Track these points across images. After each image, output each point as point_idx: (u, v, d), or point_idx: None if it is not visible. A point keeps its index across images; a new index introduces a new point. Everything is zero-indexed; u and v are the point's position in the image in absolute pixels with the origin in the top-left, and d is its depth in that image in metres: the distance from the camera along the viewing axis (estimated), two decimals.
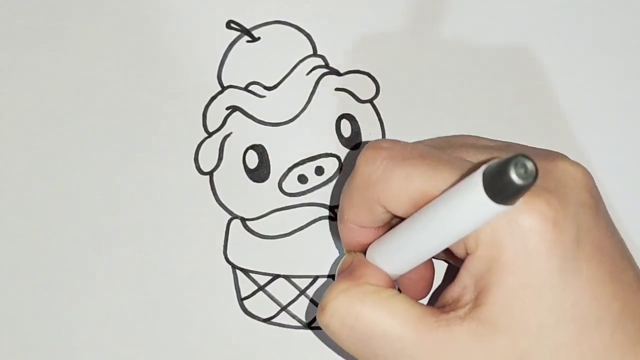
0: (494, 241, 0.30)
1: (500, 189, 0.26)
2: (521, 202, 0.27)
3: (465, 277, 0.31)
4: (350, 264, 0.34)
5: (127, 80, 0.41)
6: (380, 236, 0.34)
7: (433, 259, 0.36)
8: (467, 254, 0.31)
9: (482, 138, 0.37)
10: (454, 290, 0.32)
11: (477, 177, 0.27)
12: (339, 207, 0.35)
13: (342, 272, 0.34)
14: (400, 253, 0.33)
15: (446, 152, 0.33)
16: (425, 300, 0.38)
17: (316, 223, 0.40)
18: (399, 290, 0.34)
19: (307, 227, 0.40)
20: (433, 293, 0.38)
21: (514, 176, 0.25)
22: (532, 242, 0.29)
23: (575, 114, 0.41)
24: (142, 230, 0.40)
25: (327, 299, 0.32)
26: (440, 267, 0.39)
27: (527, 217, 0.29)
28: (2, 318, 0.40)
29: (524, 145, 0.36)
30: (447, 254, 0.34)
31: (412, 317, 0.31)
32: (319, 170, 0.40)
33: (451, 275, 0.38)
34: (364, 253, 0.35)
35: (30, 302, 0.40)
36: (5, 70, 0.41)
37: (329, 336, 0.33)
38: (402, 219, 0.33)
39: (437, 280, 0.39)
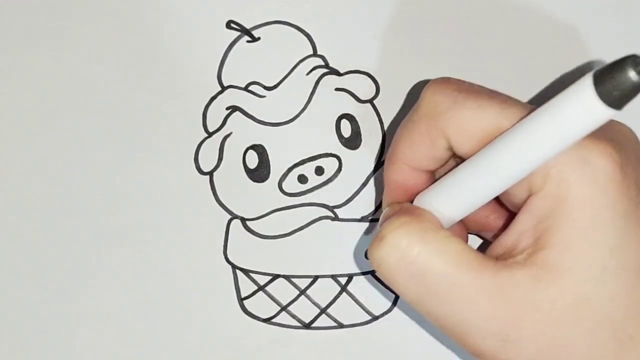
0: (563, 179, 0.29)
1: (613, 90, 0.26)
2: (591, 142, 0.27)
3: (524, 222, 0.30)
4: (400, 209, 0.33)
5: (127, 80, 0.41)
6: (432, 184, 0.33)
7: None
8: (530, 195, 0.30)
9: None
10: (507, 240, 0.31)
11: (587, 80, 0.26)
12: (391, 146, 0.34)
13: (389, 219, 0.32)
14: (466, 192, 0.31)
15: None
16: None
17: (316, 223, 0.40)
18: None
19: (307, 227, 0.40)
20: None
21: (632, 74, 0.25)
22: (602, 182, 0.29)
23: None
24: (142, 230, 0.40)
25: (388, 230, 0.31)
26: None
27: (597, 157, 0.29)
28: (2, 318, 0.40)
29: None
30: (493, 208, 0.33)
31: (472, 260, 0.30)
32: (319, 170, 0.40)
33: None
34: None
35: (30, 302, 0.40)
36: (5, 70, 0.41)
37: (380, 272, 0.31)
38: (455, 165, 0.32)
39: None
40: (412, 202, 0.34)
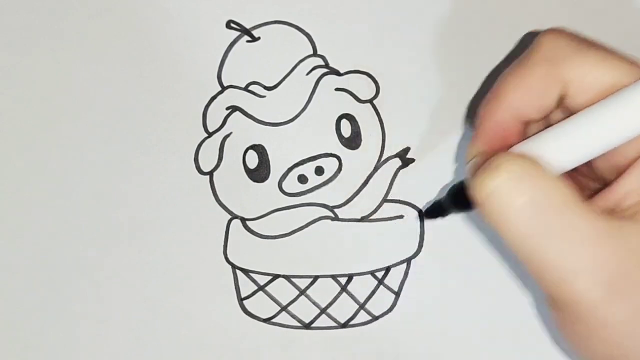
0: None
1: None
2: None
3: (632, 180, 0.30)
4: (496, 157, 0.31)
5: (127, 80, 0.41)
6: (534, 135, 0.32)
7: None
8: None
9: None
10: (612, 196, 0.30)
11: None
12: (494, 91, 0.32)
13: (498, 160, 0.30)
14: (579, 142, 0.30)
15: None
16: None
17: (316, 223, 0.40)
18: None
19: (307, 227, 0.40)
20: None
21: None
22: None
23: None
24: (142, 230, 0.40)
25: (504, 159, 0.29)
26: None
27: None
28: (2, 318, 0.40)
29: None
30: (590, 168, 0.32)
31: (586, 205, 0.29)
32: (319, 170, 0.40)
33: None
34: None
35: (31, 302, 0.40)
36: (5, 70, 0.41)
37: (488, 203, 0.29)
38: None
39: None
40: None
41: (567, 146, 0.31)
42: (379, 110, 0.41)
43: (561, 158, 0.31)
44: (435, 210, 0.37)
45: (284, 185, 0.40)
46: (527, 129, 0.34)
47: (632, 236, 0.29)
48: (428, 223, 0.40)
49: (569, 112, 0.31)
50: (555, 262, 0.29)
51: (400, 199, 0.40)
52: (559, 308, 0.30)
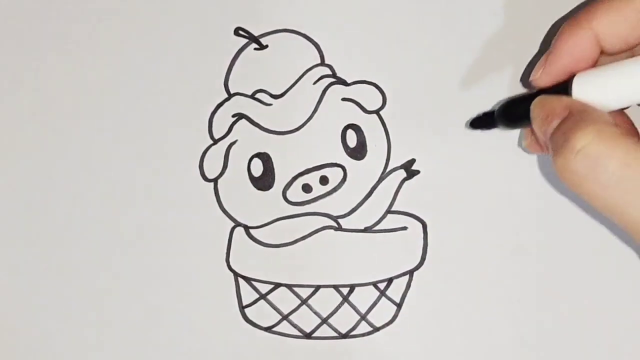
0: None
1: None
2: None
3: None
4: (567, 107, 0.32)
5: (134, 85, 0.41)
6: (602, 66, 0.33)
7: None
8: None
9: None
10: None
11: None
12: (584, 12, 0.33)
13: (557, 116, 0.32)
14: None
15: None
16: None
17: (319, 233, 0.40)
18: None
19: (310, 236, 0.40)
20: None
21: None
22: None
23: None
24: (145, 236, 0.40)
25: (583, 141, 0.30)
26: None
27: None
28: (5, 320, 0.40)
29: None
30: None
31: None
32: (324, 180, 0.40)
33: None
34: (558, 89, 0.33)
35: (33, 308, 0.40)
36: (11, 73, 0.41)
37: (579, 166, 0.30)
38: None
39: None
40: (571, 77, 0.33)
41: (626, 84, 0.31)
42: (385, 121, 0.41)
43: (618, 96, 0.31)
44: (483, 120, 0.38)
45: (288, 194, 0.40)
46: (599, 61, 0.34)
47: None
48: (431, 235, 0.40)
49: None
50: None
51: (404, 211, 0.40)
52: None
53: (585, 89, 0.32)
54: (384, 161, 0.41)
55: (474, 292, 0.40)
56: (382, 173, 0.40)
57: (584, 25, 0.32)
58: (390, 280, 0.40)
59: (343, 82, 0.41)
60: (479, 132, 0.40)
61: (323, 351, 0.40)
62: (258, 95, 0.41)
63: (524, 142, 0.38)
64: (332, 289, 0.40)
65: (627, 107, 0.33)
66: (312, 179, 0.40)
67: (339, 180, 0.40)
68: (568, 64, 0.33)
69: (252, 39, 0.41)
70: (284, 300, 0.40)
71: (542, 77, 0.34)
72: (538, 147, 0.37)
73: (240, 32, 0.41)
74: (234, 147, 0.41)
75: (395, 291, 0.40)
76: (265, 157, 0.41)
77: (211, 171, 0.41)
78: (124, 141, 0.41)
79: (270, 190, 0.40)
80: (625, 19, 0.31)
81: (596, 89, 0.32)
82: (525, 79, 0.41)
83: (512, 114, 0.36)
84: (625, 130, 0.33)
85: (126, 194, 0.40)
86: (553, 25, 0.40)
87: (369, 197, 0.40)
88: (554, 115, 0.32)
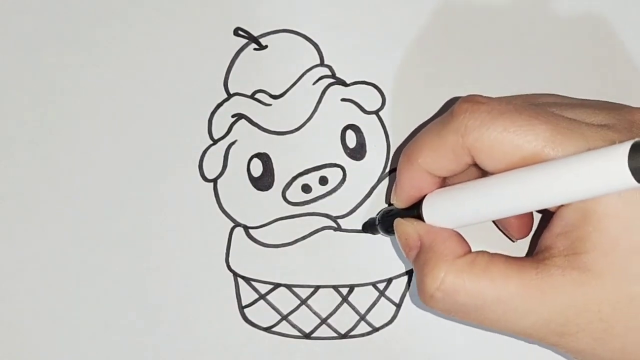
0: None
1: None
2: None
3: (558, 226, 0.32)
4: (419, 238, 0.35)
5: (133, 86, 0.41)
6: (445, 187, 0.35)
7: None
8: (560, 206, 0.32)
9: (560, 96, 0.38)
10: (545, 238, 0.33)
11: (624, 149, 0.27)
12: (411, 149, 0.35)
13: (412, 248, 0.35)
14: (485, 206, 0.33)
15: (538, 107, 0.34)
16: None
17: (319, 233, 0.40)
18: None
19: (309, 236, 0.40)
20: None
21: None
22: (628, 193, 0.30)
23: None
24: (144, 236, 0.40)
25: (432, 288, 0.33)
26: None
27: None
28: (4, 320, 0.40)
29: (597, 101, 0.36)
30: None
31: (512, 277, 0.32)
32: (323, 180, 0.40)
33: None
34: (414, 208, 0.35)
35: (33, 307, 0.40)
36: (11, 73, 0.41)
37: (446, 313, 0.34)
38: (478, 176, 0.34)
39: None
40: (421, 198, 0.35)
41: (466, 209, 0.33)
42: (385, 122, 0.41)
43: (461, 217, 0.34)
44: (372, 226, 0.39)
45: (288, 195, 0.40)
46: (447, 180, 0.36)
47: (565, 288, 0.31)
48: None
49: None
50: (508, 331, 0.33)
51: None
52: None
53: (432, 212, 0.35)
54: (384, 161, 0.41)
55: None
56: (382, 173, 0.41)
57: (413, 162, 0.35)
58: (389, 281, 0.40)
59: (342, 83, 0.41)
60: None
61: (322, 351, 0.40)
62: (258, 96, 0.41)
63: None
64: (331, 289, 0.40)
65: (476, 223, 0.34)
66: (312, 179, 0.40)
67: (338, 181, 0.41)
68: (413, 192, 0.35)
69: (252, 39, 0.41)
70: (284, 300, 0.40)
71: (397, 202, 0.36)
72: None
73: (240, 32, 0.41)
74: (233, 147, 0.41)
75: (394, 291, 0.40)
76: (264, 158, 0.41)
77: (211, 171, 0.41)
78: (124, 141, 0.41)
79: (270, 190, 0.40)
80: (444, 155, 0.34)
81: (442, 211, 0.34)
82: (525, 79, 0.41)
83: (388, 225, 0.37)
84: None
85: (125, 194, 0.40)
86: (450, 100, 0.41)
87: (369, 197, 0.40)
88: (409, 246, 0.35)
